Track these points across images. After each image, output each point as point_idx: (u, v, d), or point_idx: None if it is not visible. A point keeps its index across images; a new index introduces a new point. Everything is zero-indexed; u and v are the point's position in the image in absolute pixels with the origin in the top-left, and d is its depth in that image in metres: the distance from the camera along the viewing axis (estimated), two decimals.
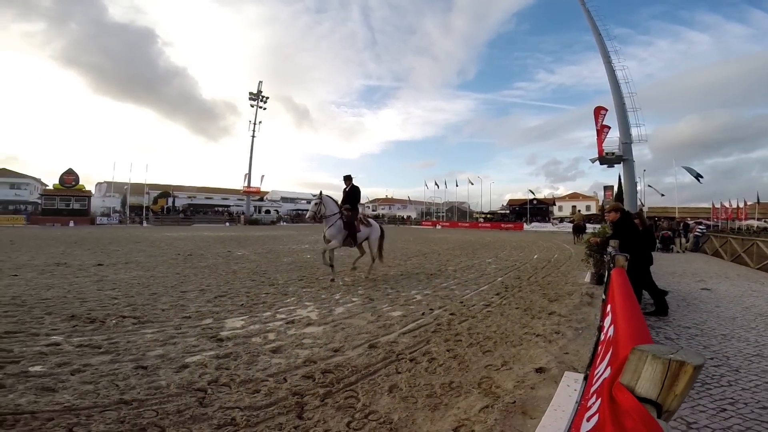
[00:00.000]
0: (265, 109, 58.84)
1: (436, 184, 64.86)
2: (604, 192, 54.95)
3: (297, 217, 60.99)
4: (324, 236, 7.38)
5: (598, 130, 27.70)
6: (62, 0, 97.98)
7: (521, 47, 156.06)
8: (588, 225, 24.58)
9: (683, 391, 0.71)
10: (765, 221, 39.88)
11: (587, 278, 8.11)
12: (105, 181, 54.79)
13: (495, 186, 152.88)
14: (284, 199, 71.51)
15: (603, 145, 27.29)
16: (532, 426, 2.36)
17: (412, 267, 9.85)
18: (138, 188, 49.29)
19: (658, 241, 16.43)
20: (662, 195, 38.92)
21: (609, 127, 27.54)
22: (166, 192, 56.69)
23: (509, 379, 3.05)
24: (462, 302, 5.79)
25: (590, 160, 28.70)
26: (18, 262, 9.50)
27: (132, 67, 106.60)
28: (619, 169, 28.28)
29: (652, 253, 5.98)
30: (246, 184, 57.63)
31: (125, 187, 48.62)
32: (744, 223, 38.26)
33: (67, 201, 42.88)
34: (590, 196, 63.33)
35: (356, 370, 3.15)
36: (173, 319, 4.54)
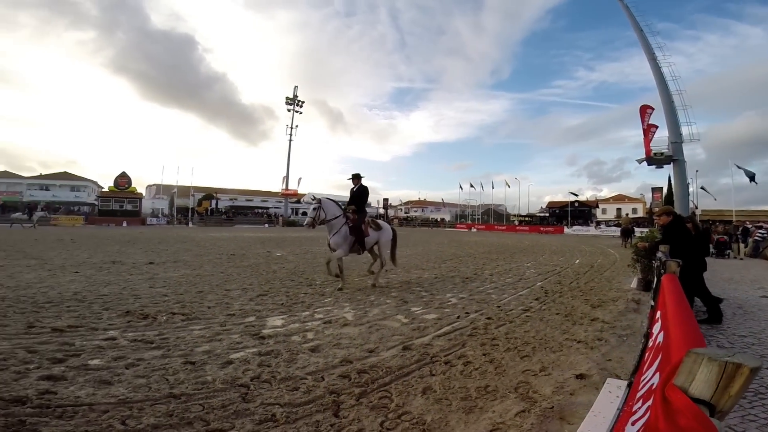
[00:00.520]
0: (301, 113, 60.46)
1: (471, 185, 63.86)
2: (653, 194, 51.85)
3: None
4: (328, 244, 6.77)
5: (644, 130, 26.24)
6: (108, 9, 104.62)
7: (557, 45, 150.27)
8: (635, 229, 23.30)
9: (738, 393, 0.71)
10: None
11: (633, 284, 7.71)
12: (154, 184, 58.26)
13: (533, 188, 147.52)
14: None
15: (650, 144, 25.81)
16: (570, 431, 2.29)
17: (447, 270, 9.76)
18: (184, 190, 52.00)
19: (712, 246, 15.32)
20: (714, 199, 36.20)
21: (656, 126, 26.01)
22: (209, 194, 59.39)
23: (547, 385, 2.98)
24: (499, 306, 5.68)
25: (637, 160, 27.27)
26: (78, 259, 10.30)
27: (176, 74, 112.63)
28: (668, 169, 26.66)
29: (706, 258, 5.61)
30: (284, 187, 59.39)
31: (173, 190, 51.46)
32: None
33: (120, 202, 45.95)
34: (637, 198, 60.07)
35: (390, 371, 3.18)
36: (218, 317, 4.77)
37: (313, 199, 6.87)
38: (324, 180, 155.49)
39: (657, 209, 5.23)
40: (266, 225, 50.43)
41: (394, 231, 7.73)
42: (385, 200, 76.46)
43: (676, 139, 24.78)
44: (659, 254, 3.65)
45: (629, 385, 2.19)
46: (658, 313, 1.97)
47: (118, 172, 47.03)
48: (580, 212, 56.82)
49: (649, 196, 54.05)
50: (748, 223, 23.82)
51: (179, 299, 5.67)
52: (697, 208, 32.76)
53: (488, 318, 5.00)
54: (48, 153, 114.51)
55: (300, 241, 20.50)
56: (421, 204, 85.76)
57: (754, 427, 2.40)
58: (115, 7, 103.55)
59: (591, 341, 4.10)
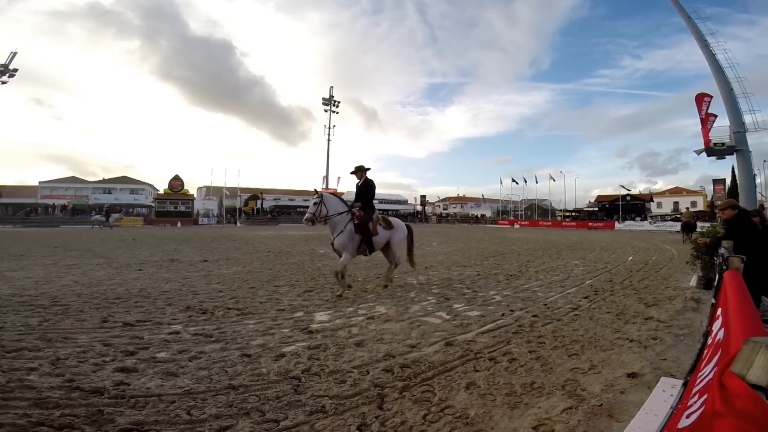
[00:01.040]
0: (337, 113, 61.33)
1: (513, 180, 62.16)
2: (714, 186, 47.93)
3: None
4: (332, 245, 6.11)
5: (702, 119, 24.19)
6: (149, 17, 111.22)
7: (599, 33, 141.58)
8: (697, 223, 21.66)
9: None
10: None
11: (693, 282, 7.23)
12: (205, 186, 61.63)
13: (580, 181, 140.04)
14: None
15: (709, 135, 23.76)
16: (618, 429, 2.26)
17: (489, 267, 9.62)
18: (232, 191, 54.69)
19: None
20: None
21: (715, 116, 23.88)
22: (255, 195, 61.96)
23: (596, 383, 2.91)
24: (546, 305, 5.55)
25: (695, 151, 25.24)
26: (140, 258, 11.17)
27: (217, 79, 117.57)
28: (731, 160, 24.44)
29: None
30: (324, 186, 60.70)
31: (222, 191, 54.25)
32: None
33: (175, 204, 49.08)
34: (696, 191, 55.83)
35: (433, 366, 3.23)
36: (270, 312, 5.03)
37: (315, 193, 6.14)
38: None
39: (720, 202, 4.84)
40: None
41: (409, 229, 7.04)
42: (423, 197, 76.07)
43: (739, 129, 22.60)
44: (722, 250, 3.43)
45: (685, 384, 2.11)
46: (719, 311, 1.89)
47: (172, 175, 50.30)
48: (632, 206, 53.55)
49: (710, 189, 50.11)
50: None
51: (233, 295, 6.03)
52: (767, 200, 29.85)
53: (534, 316, 4.91)
54: (108, 158, 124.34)
55: None
56: (460, 200, 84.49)
57: None
58: (155, 16, 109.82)
59: (645, 340, 3.93)
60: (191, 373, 3.04)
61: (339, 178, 64.99)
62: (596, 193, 69.90)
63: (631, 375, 3.04)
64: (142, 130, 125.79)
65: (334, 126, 61.27)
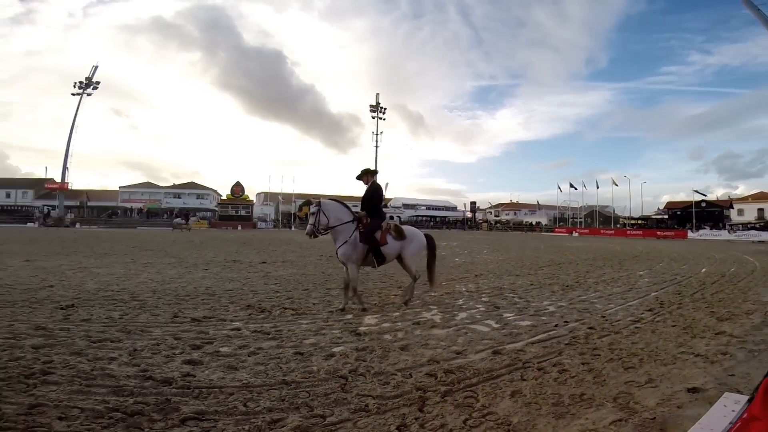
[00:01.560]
0: (384, 119, 62.11)
1: (571, 185, 59.11)
2: None
3: (416, 223, 62.56)
4: (337, 256, 5.56)
5: None
6: (207, 30, 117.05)
7: (659, 28, 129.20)
8: None
9: None
10: None
11: None
12: (263, 192, 65.14)
13: (647, 187, 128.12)
14: (405, 206, 74.16)
15: None
16: None
17: (544, 277, 9.25)
18: (287, 197, 57.31)
19: None
20: None
21: None
22: (308, 200, 64.29)
23: (652, 397, 2.76)
24: (604, 317, 5.27)
25: None
26: (206, 258, 12.09)
27: (271, 88, 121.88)
28: None
29: None
30: None
31: (278, 197, 57.07)
32: None
33: (236, 208, 52.53)
34: None
35: (478, 372, 3.22)
36: (322, 313, 5.26)
37: (314, 203, 5.66)
38: (411, 184, 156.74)
39: None
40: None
41: (430, 239, 6.10)
42: (473, 203, 74.60)
43: None
44: None
45: (750, 400, 1.94)
46: None
47: (234, 182, 53.92)
48: (708, 214, 48.76)
49: None
50: None
51: (289, 295, 6.36)
52: None
53: (590, 328, 4.69)
54: (177, 165, 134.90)
55: None
56: (514, 206, 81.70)
57: None
58: (212, 28, 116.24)
59: (712, 355, 3.63)
60: (249, 367, 3.25)
61: (387, 184, 65.68)
62: (666, 199, 64.48)
63: (692, 390, 2.85)
64: (206, 138, 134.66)
65: (381, 132, 62.22)
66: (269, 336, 4.16)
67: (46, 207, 54.64)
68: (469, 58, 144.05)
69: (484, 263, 12.39)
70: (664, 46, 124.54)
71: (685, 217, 49.16)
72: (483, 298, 6.47)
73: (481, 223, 69.39)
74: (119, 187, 62.78)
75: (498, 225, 67.32)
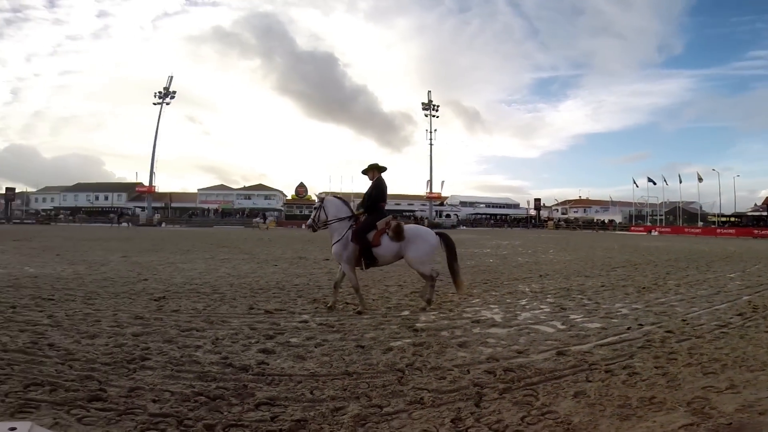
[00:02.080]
0: (437, 116, 61.34)
1: (649, 180, 54.12)
2: None
3: (475, 221, 61.09)
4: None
5: None
6: (263, 36, 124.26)
7: (739, 11, 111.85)
8: None
9: None
10: None
11: None
12: (323, 192, 67.64)
13: (741, 181, 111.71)
14: (463, 203, 72.69)
15: None
16: None
17: (617, 278, 8.63)
18: (346, 197, 58.98)
19: None
20: None
21: None
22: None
23: (732, 403, 2.53)
24: (685, 320, 4.84)
25: None
26: (275, 255, 12.94)
27: (326, 90, 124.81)
28: None
29: None
30: (428, 190, 61.30)
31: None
32: None
33: (300, 208, 55.36)
34: None
35: (539, 372, 3.15)
36: (380, 309, 5.43)
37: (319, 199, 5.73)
38: (467, 181, 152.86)
39: None
40: None
41: (446, 240, 5.60)
42: (537, 200, 70.88)
43: None
44: None
45: None
46: None
47: (297, 182, 56.74)
48: None
49: None
50: None
51: (350, 291, 6.58)
52: None
53: (668, 331, 4.34)
54: (246, 167, 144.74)
55: None
56: (583, 203, 76.42)
57: None
58: (267, 35, 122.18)
59: None
60: (316, 358, 3.46)
61: (443, 181, 64.94)
62: (765, 194, 56.29)
63: None
64: (271, 141, 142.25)
65: (435, 130, 61.58)
66: (333, 329, 4.38)
67: (136, 208, 61.70)
68: (525, 49, 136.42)
69: (549, 263, 11.82)
70: (748, 29, 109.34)
71: None
72: (548, 299, 6.22)
73: (546, 221, 65.80)
74: (197, 190, 69.06)
75: (565, 223, 63.40)
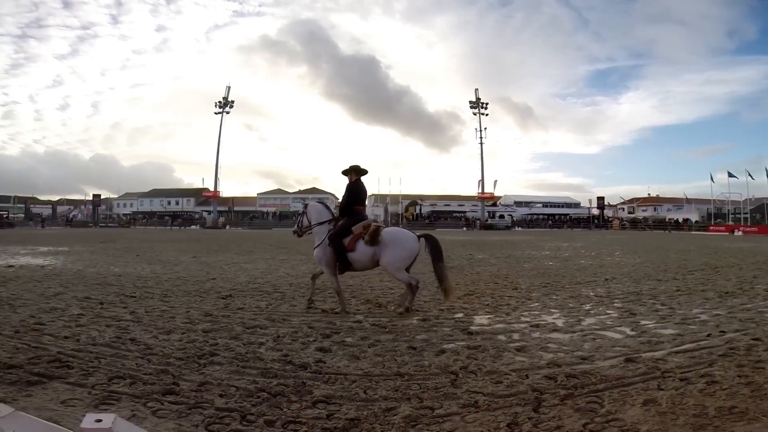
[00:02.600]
0: (486, 114, 59.56)
1: (731, 175, 48.63)
2: None
3: (532, 222, 58.51)
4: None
5: None
6: (307, 43, 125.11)
7: None
8: None
9: None
10: None
11: None
12: (373, 194, 68.56)
13: None
14: (517, 203, 69.86)
15: None
16: None
17: (694, 282, 7.86)
18: (395, 198, 59.35)
19: None
20: None
21: None
22: (414, 201, 65.66)
23: None
24: None
25: None
26: None
27: (370, 93, 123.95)
28: None
29: None
30: (480, 191, 59.75)
31: (387, 198, 59.50)
32: None
33: None
34: None
35: (605, 379, 2.98)
36: (432, 310, 5.38)
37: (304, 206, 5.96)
38: (522, 180, 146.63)
39: None
40: (464, 228, 51.93)
41: (430, 240, 5.36)
42: (600, 199, 66.21)
43: None
44: None
45: None
46: None
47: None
48: None
49: None
50: None
51: (401, 293, 6.63)
52: None
53: (755, 339, 3.90)
54: (300, 172, 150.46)
55: (500, 245, 20.29)
56: (653, 201, 70.41)
57: None
58: (311, 41, 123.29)
59: None
60: (369, 358, 3.50)
61: (495, 181, 62.99)
62: None
63: None
64: (321, 145, 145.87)
65: (485, 128, 59.83)
66: (386, 329, 4.43)
67: (203, 211, 66.44)
68: (576, 41, 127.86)
69: (616, 266, 11.03)
70: None
71: None
72: (615, 304, 5.83)
73: (610, 220, 61.44)
74: (257, 194, 73.14)
75: (632, 223, 58.77)
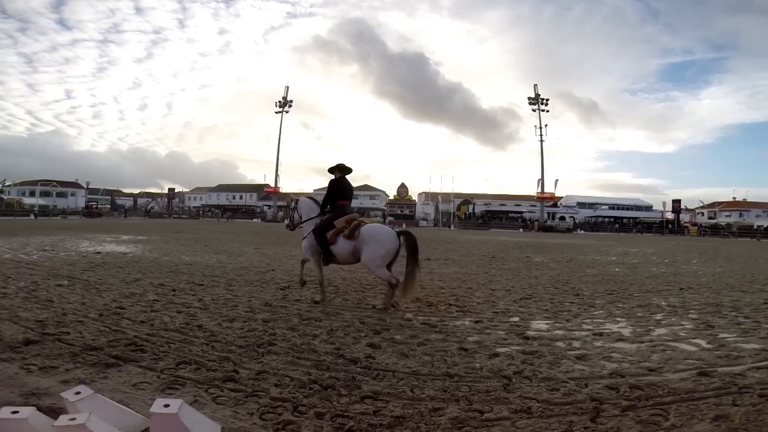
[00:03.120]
0: (547, 111, 56.46)
1: None
2: None
3: (596, 225, 54.80)
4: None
5: None
6: (357, 42, 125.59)
7: None
8: None
9: None
10: None
11: None
12: (424, 192, 68.17)
13: None
14: (580, 204, 65.61)
15: None
16: None
17: None
18: (446, 197, 58.55)
19: None
20: None
21: None
22: (467, 200, 64.25)
23: None
24: None
25: None
26: None
27: (420, 90, 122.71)
28: None
29: None
30: (539, 190, 56.98)
31: (438, 196, 58.89)
32: None
33: (401, 208, 56.70)
34: None
35: (674, 392, 2.77)
36: (486, 313, 5.25)
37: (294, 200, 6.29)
38: (586, 180, 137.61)
39: None
40: (521, 230, 49.85)
41: (409, 239, 5.27)
42: (676, 202, 60.23)
43: None
44: None
45: None
46: None
47: (398, 183, 58.26)
48: None
49: None
50: None
51: (453, 293, 6.57)
52: None
53: None
54: (353, 169, 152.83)
55: (560, 248, 19.22)
56: (738, 205, 62.81)
57: None
58: (360, 40, 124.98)
59: None
60: (418, 356, 3.49)
61: (557, 180, 59.68)
62: None
63: None
64: (373, 143, 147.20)
65: (545, 125, 56.82)
66: (436, 329, 4.40)
67: (264, 206, 70.17)
68: (645, 33, 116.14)
69: (693, 275, 10.05)
70: None
71: None
72: (690, 315, 5.35)
73: (687, 225, 55.85)
74: (313, 190, 75.63)
75: (712, 229, 52.97)
